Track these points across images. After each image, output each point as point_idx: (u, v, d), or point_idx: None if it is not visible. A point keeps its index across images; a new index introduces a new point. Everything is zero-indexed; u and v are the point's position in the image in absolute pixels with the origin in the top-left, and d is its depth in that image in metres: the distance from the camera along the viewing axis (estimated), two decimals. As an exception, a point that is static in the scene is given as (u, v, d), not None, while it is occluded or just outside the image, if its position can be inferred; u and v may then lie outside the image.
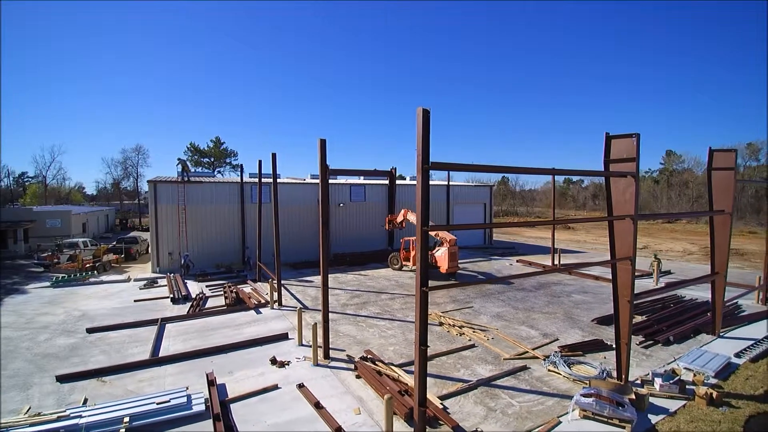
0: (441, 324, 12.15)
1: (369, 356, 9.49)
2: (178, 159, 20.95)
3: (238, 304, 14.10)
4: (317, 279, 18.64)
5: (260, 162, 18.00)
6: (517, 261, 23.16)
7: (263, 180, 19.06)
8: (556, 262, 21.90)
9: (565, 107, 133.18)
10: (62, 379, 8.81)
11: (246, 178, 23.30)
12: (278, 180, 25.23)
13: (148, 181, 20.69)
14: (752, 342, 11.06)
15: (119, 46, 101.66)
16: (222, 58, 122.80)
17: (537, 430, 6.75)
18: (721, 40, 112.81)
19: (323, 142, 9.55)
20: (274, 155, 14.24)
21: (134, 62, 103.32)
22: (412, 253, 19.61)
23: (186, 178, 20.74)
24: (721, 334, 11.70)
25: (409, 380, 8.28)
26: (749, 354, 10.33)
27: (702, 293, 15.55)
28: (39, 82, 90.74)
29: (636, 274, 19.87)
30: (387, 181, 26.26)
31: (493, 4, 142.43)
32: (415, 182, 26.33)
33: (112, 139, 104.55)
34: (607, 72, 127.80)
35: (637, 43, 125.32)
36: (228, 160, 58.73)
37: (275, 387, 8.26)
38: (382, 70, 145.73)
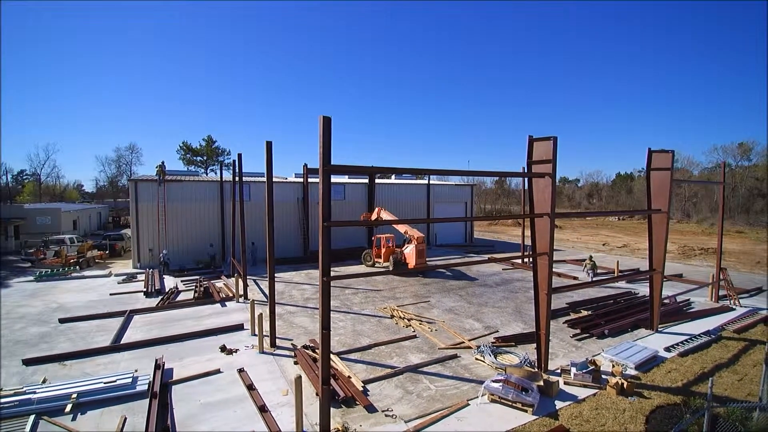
0: (392, 317, 12.78)
1: (311, 345, 10.15)
2: (161, 162, 21.68)
3: (206, 297, 14.80)
4: (289, 275, 19.36)
5: (234, 162, 18.64)
6: (489, 258, 23.68)
7: (247, 178, 19.75)
8: (525, 259, 22.40)
9: (559, 107, 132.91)
10: (28, 362, 9.57)
11: (227, 176, 23.99)
12: (261, 179, 25.99)
13: (128, 180, 21.52)
14: (687, 337, 11.48)
15: (115, 45, 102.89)
16: (217, 56, 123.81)
17: (443, 410, 7.36)
18: (717, 39, 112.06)
19: (269, 144, 10.18)
20: (239, 155, 14.93)
21: (129, 61, 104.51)
22: (383, 251, 20.27)
23: (160, 184, 21.30)
24: (660, 329, 12.17)
25: (340, 365, 8.94)
26: (680, 348, 10.73)
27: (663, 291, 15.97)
28: (36, 81, 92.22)
29: (599, 271, 20.28)
30: (366, 180, 26.88)
31: (496, 4, 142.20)
32: (397, 181, 26.96)
33: (106, 137, 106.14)
34: (604, 71, 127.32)
35: (635, 43, 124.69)
36: (220, 159, 59.74)
37: (217, 371, 8.95)
38: (376, 67, 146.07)
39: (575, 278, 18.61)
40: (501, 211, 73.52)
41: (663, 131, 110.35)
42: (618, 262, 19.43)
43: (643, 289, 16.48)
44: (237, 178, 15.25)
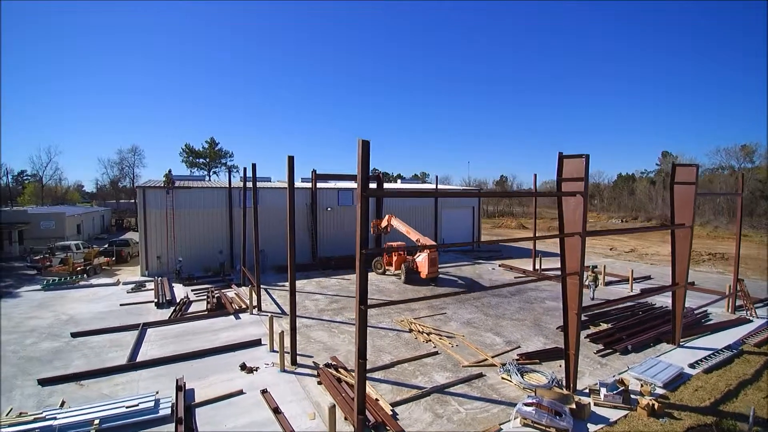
0: (411, 331, 12.60)
1: (333, 363, 9.96)
2: (168, 170, 21.42)
3: (218, 309, 14.59)
4: (300, 284, 19.04)
5: (245, 169, 18.40)
6: (500, 265, 23.57)
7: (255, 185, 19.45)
8: (537, 267, 22.29)
9: (560, 107, 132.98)
10: (43, 382, 9.34)
11: (236, 182, 23.72)
12: (268, 184, 25.76)
13: (137, 187, 21.24)
14: (710, 352, 11.35)
15: (116, 45, 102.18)
16: (219, 56, 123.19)
17: (477, 436, 7.20)
18: (719, 40, 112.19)
19: (291, 159, 9.97)
20: (254, 165, 14.73)
21: (131, 62, 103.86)
22: (394, 258, 20.07)
23: (168, 192, 21.02)
24: (681, 343, 12.04)
25: (366, 386, 8.73)
26: (704, 365, 10.61)
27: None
28: (36, 82, 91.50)
29: (612, 279, 20.05)
30: (375, 185, 26.66)
31: (497, 4, 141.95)
32: (404, 186, 26.88)
33: (108, 138, 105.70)
34: (605, 71, 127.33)
35: (635, 42, 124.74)
36: (223, 161, 59.39)
37: (240, 392, 8.75)
38: (378, 69, 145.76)
39: (587, 287, 18.45)
40: (503, 213, 73.41)
41: (664, 132, 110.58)
42: (632, 270, 19.22)
43: (659, 300, 16.35)
44: (252, 188, 15.03)
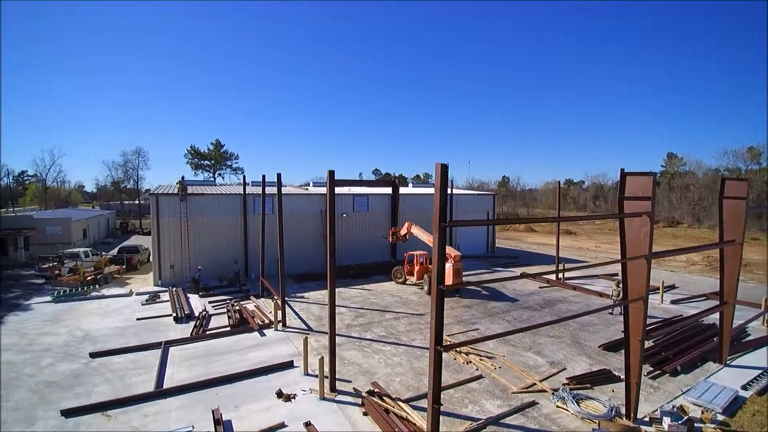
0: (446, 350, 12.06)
1: (376, 390, 9.40)
2: (182, 177, 20.78)
3: (241, 324, 13.99)
4: (320, 294, 18.42)
5: (264, 176, 17.86)
6: (521, 274, 23.00)
7: (269, 189, 18.88)
8: (560, 276, 21.75)
9: (562, 107, 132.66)
10: (67, 413, 8.71)
11: (248, 187, 23.06)
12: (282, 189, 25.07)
13: (150, 194, 20.54)
14: (759, 372, 10.99)
15: (120, 46, 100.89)
16: (222, 57, 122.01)
17: (548, 480, 6.68)
18: (721, 41, 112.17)
19: (332, 174, 9.40)
20: (278, 175, 14.12)
21: (135, 63, 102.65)
22: (416, 268, 19.53)
23: (182, 200, 20.36)
24: (727, 362, 11.65)
25: (417, 419, 8.19)
26: (756, 386, 10.27)
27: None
28: (38, 82, 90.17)
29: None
30: (390, 191, 26.09)
31: (497, 4, 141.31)
32: (417, 191, 26.17)
33: (110, 140, 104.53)
34: (608, 72, 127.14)
35: (636, 43, 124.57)
36: (229, 163, 58.49)
37: (282, 425, 8.17)
38: (385, 69, 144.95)
39: (612, 299, 17.95)
40: (508, 214, 73.02)
41: (667, 132, 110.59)
42: (663, 281, 18.68)
43: (690, 311, 15.87)
44: (277, 194, 14.45)
